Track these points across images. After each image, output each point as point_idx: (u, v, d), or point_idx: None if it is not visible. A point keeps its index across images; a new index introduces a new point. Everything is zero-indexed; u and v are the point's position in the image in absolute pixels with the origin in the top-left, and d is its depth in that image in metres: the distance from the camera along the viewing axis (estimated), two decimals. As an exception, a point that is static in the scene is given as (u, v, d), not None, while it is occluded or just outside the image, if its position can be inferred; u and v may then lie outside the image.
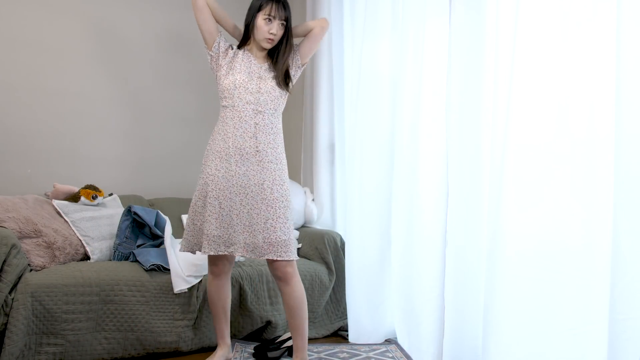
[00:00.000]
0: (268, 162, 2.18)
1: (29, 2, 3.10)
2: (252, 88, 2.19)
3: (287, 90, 2.27)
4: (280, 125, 2.28)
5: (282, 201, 2.17)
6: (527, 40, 1.79)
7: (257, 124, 2.18)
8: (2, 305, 2.11)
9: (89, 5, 3.30)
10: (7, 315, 2.12)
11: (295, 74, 2.31)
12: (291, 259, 2.15)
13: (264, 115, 2.20)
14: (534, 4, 1.79)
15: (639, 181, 1.57)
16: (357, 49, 2.89)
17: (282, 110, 2.29)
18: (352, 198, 2.80)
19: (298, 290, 2.18)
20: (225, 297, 2.31)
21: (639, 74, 1.57)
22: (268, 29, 2.19)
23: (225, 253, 2.17)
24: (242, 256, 2.33)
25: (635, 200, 1.57)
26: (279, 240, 2.12)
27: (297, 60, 2.31)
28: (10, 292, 2.14)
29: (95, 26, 3.31)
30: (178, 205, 3.30)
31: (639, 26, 1.56)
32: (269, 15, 2.18)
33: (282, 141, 2.27)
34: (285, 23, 2.24)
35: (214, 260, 2.25)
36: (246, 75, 2.21)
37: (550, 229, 1.73)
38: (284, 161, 2.25)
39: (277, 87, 2.22)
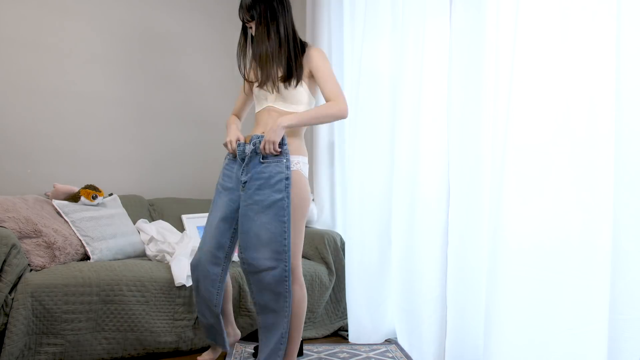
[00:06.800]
0: None
1: (29, 2, 3.10)
2: None
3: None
4: None
5: None
6: (527, 40, 1.79)
7: None
8: (2, 305, 2.11)
9: (89, 5, 3.30)
10: (7, 315, 2.12)
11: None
12: None
13: None
14: (534, 4, 1.78)
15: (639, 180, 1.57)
16: (357, 49, 2.88)
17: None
18: (352, 198, 2.79)
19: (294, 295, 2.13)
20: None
21: (639, 73, 1.57)
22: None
23: None
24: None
25: (636, 199, 1.57)
26: None
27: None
28: (10, 292, 2.14)
29: (95, 26, 3.31)
30: (178, 205, 3.30)
31: (639, 26, 1.56)
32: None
33: None
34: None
35: None
36: None
37: (551, 228, 1.73)
38: None
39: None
